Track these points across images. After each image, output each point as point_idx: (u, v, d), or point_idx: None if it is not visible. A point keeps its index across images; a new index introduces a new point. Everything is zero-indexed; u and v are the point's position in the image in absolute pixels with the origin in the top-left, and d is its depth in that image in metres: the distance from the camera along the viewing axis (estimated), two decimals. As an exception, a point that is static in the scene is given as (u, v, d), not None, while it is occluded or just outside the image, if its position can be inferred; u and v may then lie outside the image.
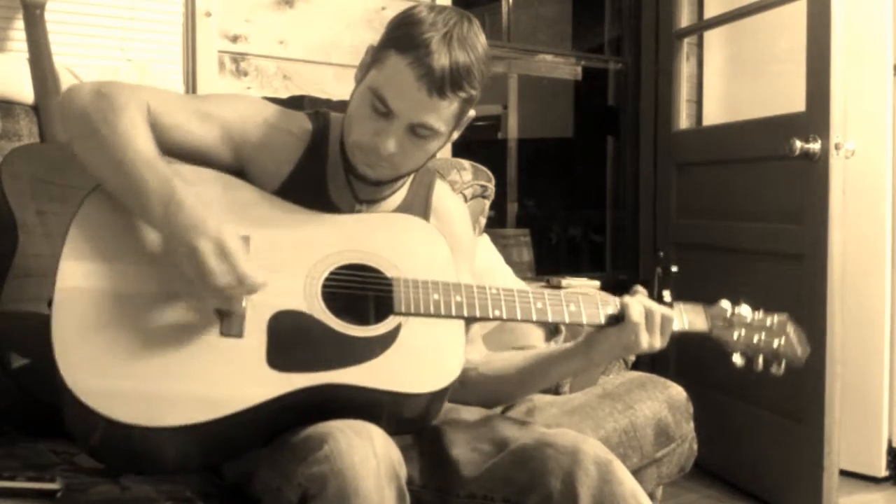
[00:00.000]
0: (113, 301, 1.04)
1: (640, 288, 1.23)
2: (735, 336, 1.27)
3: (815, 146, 2.17)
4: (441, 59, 1.08)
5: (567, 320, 1.18)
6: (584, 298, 1.19)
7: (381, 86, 1.12)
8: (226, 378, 1.02)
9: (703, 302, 1.31)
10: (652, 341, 1.19)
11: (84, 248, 1.07)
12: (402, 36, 1.11)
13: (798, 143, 2.17)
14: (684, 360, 2.84)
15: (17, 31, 1.85)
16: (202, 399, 0.99)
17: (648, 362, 2.87)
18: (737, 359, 1.28)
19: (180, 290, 1.06)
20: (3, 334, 1.29)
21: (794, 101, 2.30)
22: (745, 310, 1.30)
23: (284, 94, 2.21)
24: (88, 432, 1.03)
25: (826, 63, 2.15)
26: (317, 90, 2.24)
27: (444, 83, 1.09)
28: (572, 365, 1.25)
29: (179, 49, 2.11)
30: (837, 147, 2.14)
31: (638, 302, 1.19)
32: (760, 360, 1.28)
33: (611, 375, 1.97)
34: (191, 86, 2.12)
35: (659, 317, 1.19)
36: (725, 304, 1.30)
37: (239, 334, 1.05)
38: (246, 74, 2.23)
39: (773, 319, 1.30)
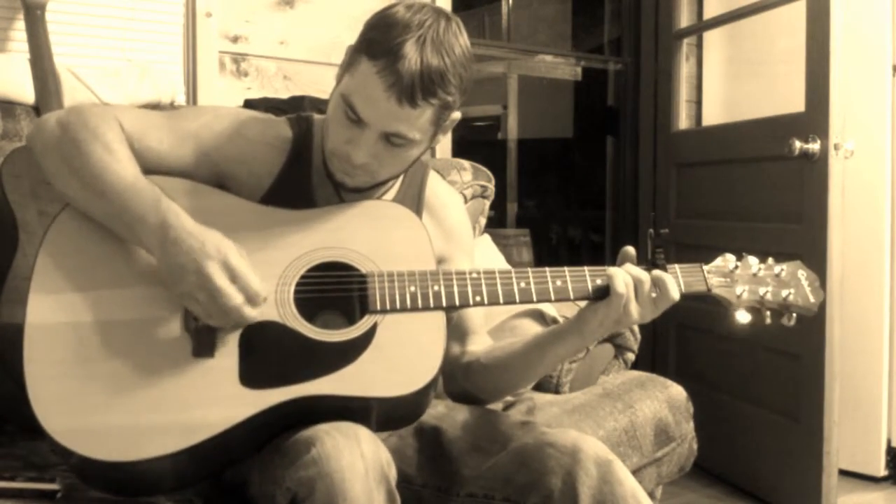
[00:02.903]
0: (84, 332, 1.02)
1: (628, 251, 1.15)
2: (738, 292, 1.18)
3: (814, 146, 2.17)
4: (412, 66, 1.02)
5: (553, 297, 1.12)
6: (570, 273, 1.14)
7: (352, 93, 1.07)
8: (199, 402, 1.00)
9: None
10: (644, 312, 1.11)
11: (52, 278, 1.05)
12: (374, 40, 1.05)
13: (797, 144, 2.18)
14: (684, 359, 2.85)
15: (18, 32, 1.85)
16: (176, 427, 0.98)
17: (649, 362, 2.88)
18: (741, 316, 1.19)
19: (151, 314, 1.04)
20: (4, 335, 1.29)
21: (793, 101, 2.30)
22: (751, 261, 1.21)
23: (285, 95, 2.21)
24: (70, 465, 1.03)
25: (825, 63, 2.15)
26: (317, 90, 2.24)
27: (414, 91, 1.04)
28: (567, 344, 1.17)
29: (180, 49, 2.12)
30: (836, 147, 2.15)
31: (624, 272, 1.11)
32: (768, 314, 1.20)
33: (611, 375, 1.97)
34: (191, 86, 2.13)
35: (648, 285, 1.11)
36: (729, 257, 1.21)
37: (210, 354, 1.03)
38: (246, 75, 2.23)
39: (783, 268, 1.22)
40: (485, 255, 2.09)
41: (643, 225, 3.13)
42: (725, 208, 2.63)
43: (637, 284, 1.11)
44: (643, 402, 1.76)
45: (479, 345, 1.28)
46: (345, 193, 1.19)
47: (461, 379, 1.27)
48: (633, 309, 1.11)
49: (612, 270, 1.11)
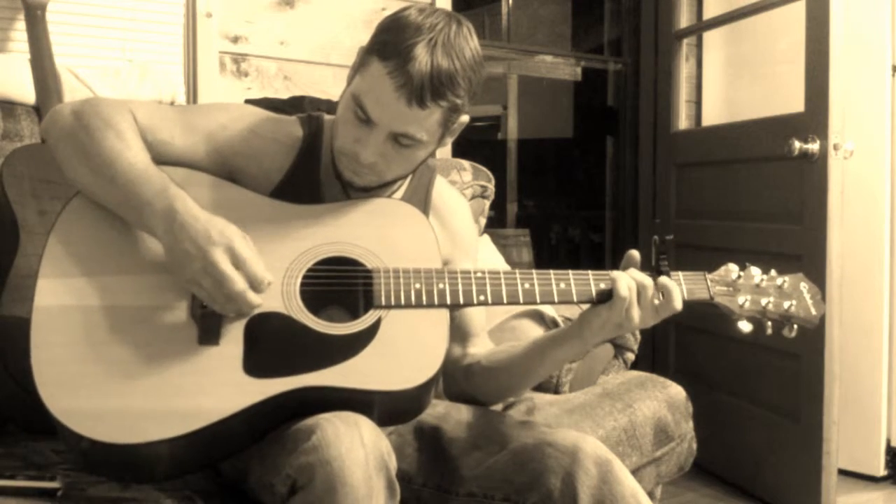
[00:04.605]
0: (91, 317, 1.04)
1: (633, 255, 1.16)
2: (741, 302, 1.19)
3: (813, 146, 2.17)
4: (422, 67, 1.04)
5: (557, 299, 1.13)
6: (574, 276, 1.14)
7: (363, 93, 1.09)
8: (203, 388, 1.01)
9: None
10: (645, 317, 1.12)
11: (61, 263, 1.07)
12: (385, 42, 1.07)
13: (797, 144, 2.18)
14: (684, 359, 2.85)
15: (19, 32, 1.86)
16: (180, 412, 0.99)
17: (648, 362, 2.88)
18: (743, 325, 1.19)
19: (158, 300, 1.06)
20: (5, 334, 1.30)
21: (792, 101, 2.31)
22: (754, 271, 1.21)
23: (285, 95, 2.21)
24: (76, 449, 1.03)
25: (825, 63, 2.15)
26: (317, 91, 2.25)
27: (423, 92, 1.05)
28: (568, 347, 1.18)
29: (180, 50, 2.12)
30: (836, 147, 2.15)
31: (628, 276, 1.11)
32: (769, 325, 1.21)
33: (610, 375, 1.97)
34: (191, 86, 2.13)
35: (651, 291, 1.12)
36: (732, 267, 1.21)
37: (215, 342, 1.04)
38: (246, 75, 2.23)
39: (785, 280, 1.22)
40: (485, 256, 2.10)
41: (643, 225, 3.13)
42: (725, 208, 2.63)
43: (640, 289, 1.11)
44: (643, 401, 1.76)
45: (481, 347, 1.29)
46: (352, 192, 1.20)
47: (462, 381, 1.27)
48: (635, 313, 1.11)
49: (615, 274, 1.12)
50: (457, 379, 1.28)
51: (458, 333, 1.28)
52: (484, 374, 1.25)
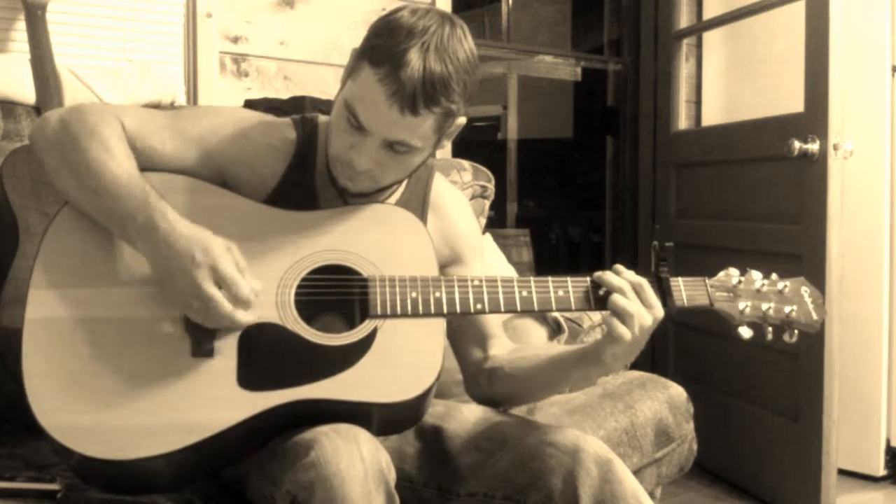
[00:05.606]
0: (83, 330, 1.02)
1: (606, 277, 1.12)
2: (741, 307, 1.18)
3: (813, 146, 2.17)
4: (414, 73, 1.01)
5: (555, 307, 1.12)
6: (573, 283, 1.13)
7: (354, 100, 1.06)
8: (196, 402, 1.00)
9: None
10: (655, 313, 1.11)
11: (52, 274, 1.05)
12: (376, 46, 1.04)
13: (796, 144, 2.18)
14: (684, 359, 2.85)
15: (19, 32, 1.85)
16: (174, 427, 0.98)
17: (648, 362, 2.88)
18: (744, 331, 1.17)
19: (150, 313, 1.04)
20: (4, 334, 1.29)
21: (792, 101, 2.31)
22: (755, 276, 1.21)
23: (285, 95, 2.21)
24: (69, 464, 1.03)
25: (824, 64, 2.15)
26: (317, 91, 2.25)
27: (416, 99, 1.02)
28: (591, 372, 1.17)
29: (180, 50, 2.12)
30: (836, 147, 2.15)
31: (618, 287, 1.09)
32: (770, 330, 1.20)
33: (611, 376, 1.97)
34: (191, 87, 2.13)
35: (645, 299, 1.11)
36: (732, 272, 1.20)
37: (209, 354, 1.03)
38: (247, 75, 2.23)
39: (787, 284, 1.21)
40: (487, 256, 2.09)
41: (643, 225, 3.13)
42: (725, 208, 2.63)
43: (639, 290, 1.11)
44: (643, 402, 1.76)
45: (500, 348, 1.27)
46: (348, 196, 1.18)
47: (484, 384, 1.26)
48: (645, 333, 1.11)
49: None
50: (479, 383, 1.27)
51: (476, 336, 1.27)
52: (507, 380, 1.23)
